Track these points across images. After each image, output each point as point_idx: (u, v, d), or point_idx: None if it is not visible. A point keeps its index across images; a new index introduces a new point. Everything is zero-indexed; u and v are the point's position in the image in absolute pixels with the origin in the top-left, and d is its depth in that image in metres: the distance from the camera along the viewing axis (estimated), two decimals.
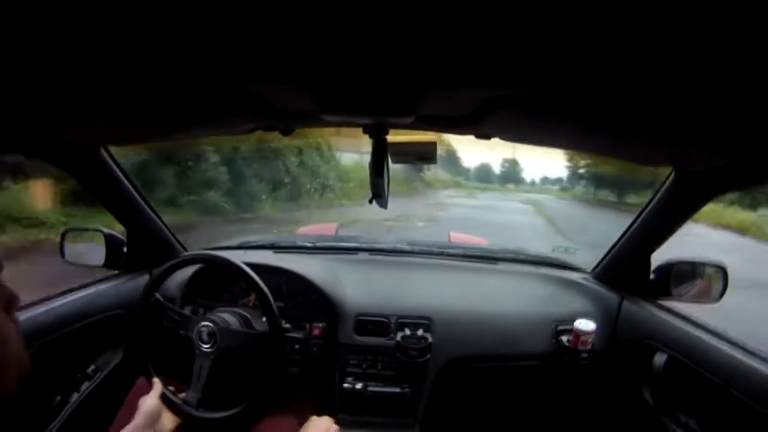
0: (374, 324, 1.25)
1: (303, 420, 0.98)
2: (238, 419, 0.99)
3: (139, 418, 0.86)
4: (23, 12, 0.39)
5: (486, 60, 0.49)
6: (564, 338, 1.23)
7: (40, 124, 0.78)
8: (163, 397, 0.93)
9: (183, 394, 0.97)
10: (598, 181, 18.79)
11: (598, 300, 1.32)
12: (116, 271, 1.28)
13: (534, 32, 0.41)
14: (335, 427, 0.88)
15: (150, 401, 0.90)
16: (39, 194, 5.14)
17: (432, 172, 19.30)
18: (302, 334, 1.24)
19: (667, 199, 1.05)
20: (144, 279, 1.26)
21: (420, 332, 1.20)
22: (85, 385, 1.07)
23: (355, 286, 1.33)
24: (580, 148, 0.97)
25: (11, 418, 0.89)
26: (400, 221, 8.26)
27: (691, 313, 1.08)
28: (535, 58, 0.47)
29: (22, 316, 0.94)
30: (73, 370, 1.07)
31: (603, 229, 7.95)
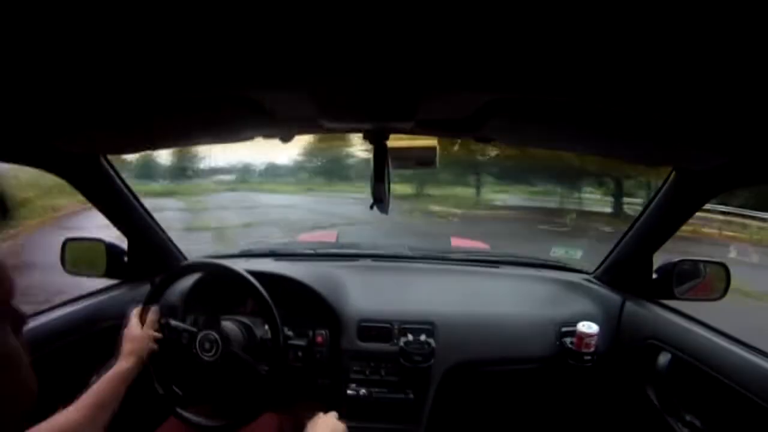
0: (377, 330, 1.24)
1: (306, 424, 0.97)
2: (242, 426, 0.98)
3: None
4: (23, 21, 0.39)
5: (486, 63, 0.49)
6: (567, 340, 1.23)
7: (40, 133, 0.78)
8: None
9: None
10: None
11: (600, 301, 1.32)
12: (117, 281, 1.28)
13: (534, 35, 0.42)
14: (342, 425, 0.87)
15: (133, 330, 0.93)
16: None
17: None
18: (305, 341, 1.23)
19: (667, 198, 1.06)
20: (145, 288, 1.25)
21: (423, 337, 1.19)
22: None
23: (356, 292, 1.33)
24: (580, 149, 0.97)
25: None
26: None
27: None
28: (535, 61, 0.47)
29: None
30: (75, 381, 1.06)
31: None
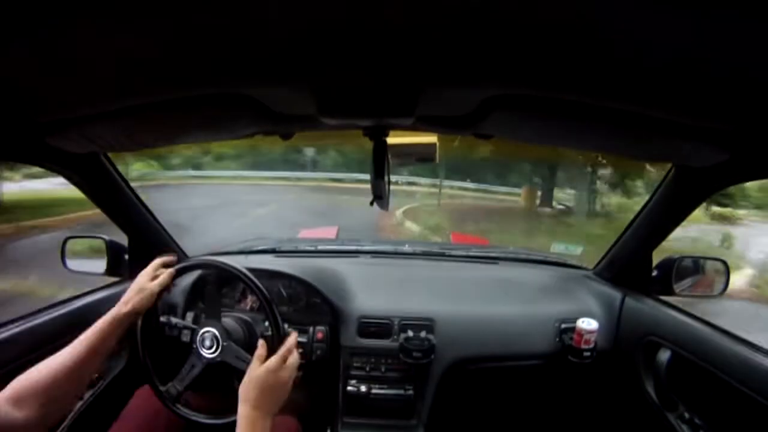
0: (377, 326, 1.25)
1: (302, 421, 0.97)
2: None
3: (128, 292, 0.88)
4: (23, 19, 0.39)
5: (486, 60, 0.49)
6: (567, 337, 1.23)
7: (40, 131, 0.78)
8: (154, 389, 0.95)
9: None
10: None
11: (600, 298, 1.32)
12: (118, 278, 1.28)
13: (534, 31, 0.41)
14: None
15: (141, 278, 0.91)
16: None
17: None
18: (305, 337, 1.24)
19: (667, 195, 1.05)
20: None
21: (423, 334, 1.20)
22: (88, 393, 1.07)
23: (357, 288, 1.33)
24: (581, 147, 0.97)
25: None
26: None
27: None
28: (536, 57, 0.47)
29: (24, 325, 0.94)
30: None
31: None
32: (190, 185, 10.93)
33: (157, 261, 0.96)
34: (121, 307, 0.85)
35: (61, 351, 0.75)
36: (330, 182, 12.14)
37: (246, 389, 0.78)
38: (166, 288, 0.94)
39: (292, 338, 0.89)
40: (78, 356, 0.75)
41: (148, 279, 0.92)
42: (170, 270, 0.95)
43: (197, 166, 12.22)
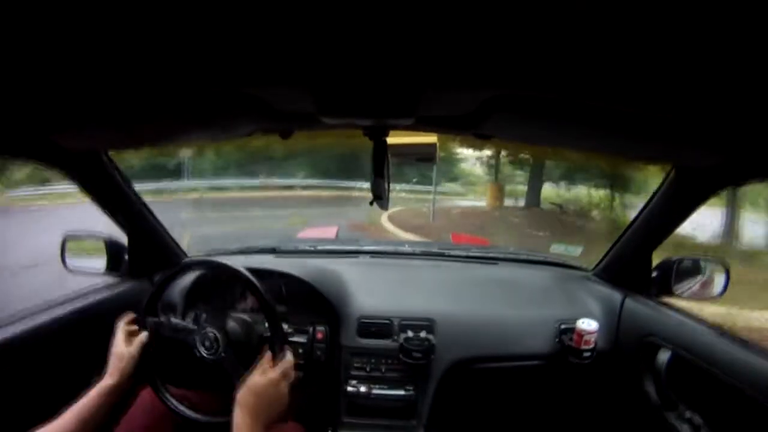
0: (377, 326, 1.24)
1: (302, 421, 0.96)
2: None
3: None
4: (24, 16, 0.39)
5: (487, 61, 0.49)
6: (567, 337, 1.23)
7: (41, 129, 0.78)
8: (174, 413, 0.95)
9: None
10: None
11: (600, 298, 1.32)
12: (118, 278, 1.28)
13: (534, 33, 0.41)
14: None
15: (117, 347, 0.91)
16: None
17: None
18: (305, 338, 1.24)
19: (667, 196, 1.06)
20: (146, 285, 1.26)
21: (423, 334, 1.20)
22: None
23: (357, 288, 1.33)
24: (581, 148, 0.97)
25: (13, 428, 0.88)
26: None
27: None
28: (536, 58, 0.47)
29: (24, 324, 0.94)
30: (76, 378, 1.07)
31: None
32: (36, 206, 8.23)
33: (122, 324, 0.95)
34: (107, 379, 0.85)
35: (50, 423, 0.74)
36: (215, 192, 9.99)
37: (244, 395, 0.78)
38: (146, 344, 0.94)
39: (290, 358, 0.89)
40: (68, 428, 0.75)
41: (123, 344, 0.91)
42: (132, 327, 0.95)
43: (45, 181, 8.79)
